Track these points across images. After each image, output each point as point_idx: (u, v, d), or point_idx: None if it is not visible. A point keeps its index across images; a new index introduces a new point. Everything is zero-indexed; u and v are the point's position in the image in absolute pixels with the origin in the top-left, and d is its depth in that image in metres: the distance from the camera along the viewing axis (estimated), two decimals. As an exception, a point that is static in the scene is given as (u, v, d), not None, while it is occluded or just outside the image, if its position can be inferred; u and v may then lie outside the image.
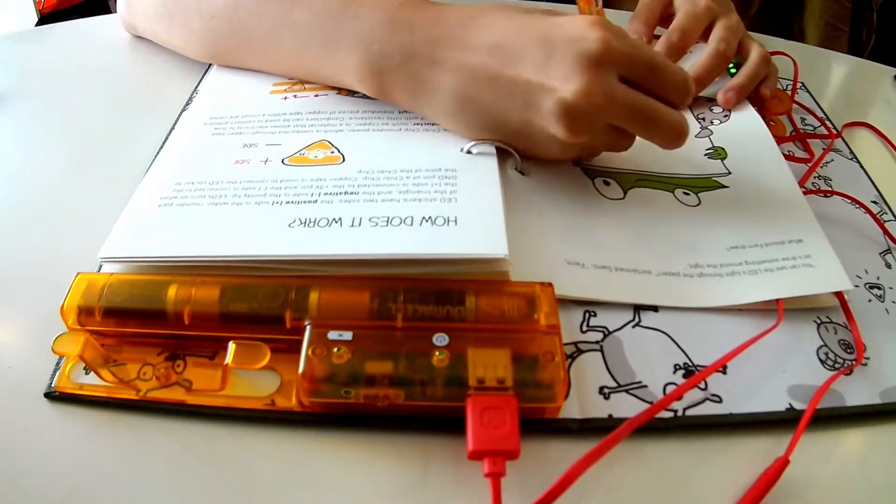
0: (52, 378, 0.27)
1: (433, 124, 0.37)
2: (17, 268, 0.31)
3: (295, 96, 0.40)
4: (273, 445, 0.25)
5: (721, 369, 0.29)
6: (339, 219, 0.30)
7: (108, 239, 0.29)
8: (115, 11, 0.48)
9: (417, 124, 0.37)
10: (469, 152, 0.35)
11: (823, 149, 0.43)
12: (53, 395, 0.26)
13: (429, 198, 0.31)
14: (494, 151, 0.35)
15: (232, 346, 0.26)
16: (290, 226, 0.30)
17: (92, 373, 0.26)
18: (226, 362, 0.25)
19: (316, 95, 0.40)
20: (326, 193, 0.32)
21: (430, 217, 0.30)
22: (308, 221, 0.30)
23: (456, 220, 0.30)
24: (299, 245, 0.29)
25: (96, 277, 0.28)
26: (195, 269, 0.28)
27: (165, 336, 0.27)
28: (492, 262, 0.29)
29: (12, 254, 0.32)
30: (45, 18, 1.02)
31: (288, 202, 0.31)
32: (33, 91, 0.42)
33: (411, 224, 0.30)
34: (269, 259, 0.28)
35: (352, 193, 0.32)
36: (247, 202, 0.31)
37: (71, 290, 0.27)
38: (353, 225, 0.30)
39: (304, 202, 0.31)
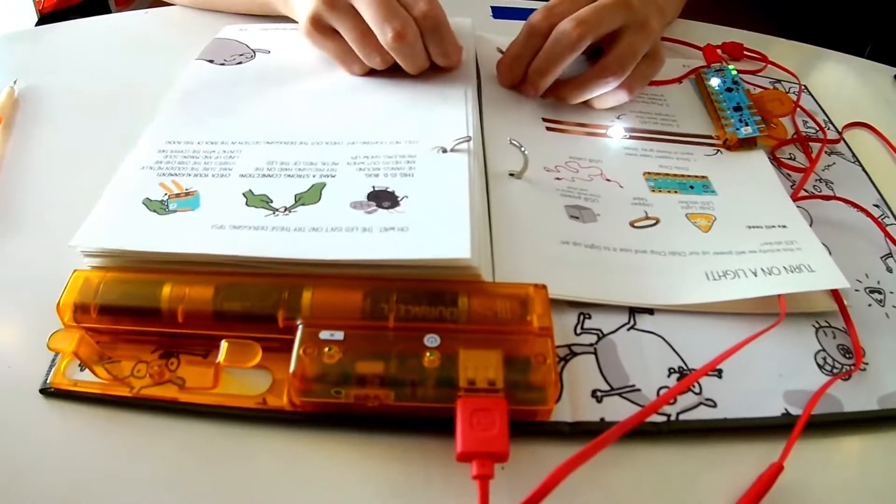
0: (47, 374, 0.27)
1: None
2: (14, 265, 0.31)
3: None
4: (264, 443, 0.25)
5: (717, 373, 0.28)
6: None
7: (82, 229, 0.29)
8: (116, 11, 0.48)
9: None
10: (452, 150, 0.34)
11: (825, 153, 0.42)
12: (48, 392, 0.26)
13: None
14: (468, 149, 0.34)
15: (224, 344, 0.26)
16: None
17: (87, 370, 0.27)
18: (218, 360, 0.25)
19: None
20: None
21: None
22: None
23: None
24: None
25: (92, 275, 0.28)
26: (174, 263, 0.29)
27: (159, 334, 0.28)
28: (458, 264, 0.28)
29: (10, 251, 0.32)
30: (45, 18, 1.02)
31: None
32: (33, 91, 0.43)
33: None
34: (248, 258, 0.28)
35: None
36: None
37: (67, 287, 0.27)
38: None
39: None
